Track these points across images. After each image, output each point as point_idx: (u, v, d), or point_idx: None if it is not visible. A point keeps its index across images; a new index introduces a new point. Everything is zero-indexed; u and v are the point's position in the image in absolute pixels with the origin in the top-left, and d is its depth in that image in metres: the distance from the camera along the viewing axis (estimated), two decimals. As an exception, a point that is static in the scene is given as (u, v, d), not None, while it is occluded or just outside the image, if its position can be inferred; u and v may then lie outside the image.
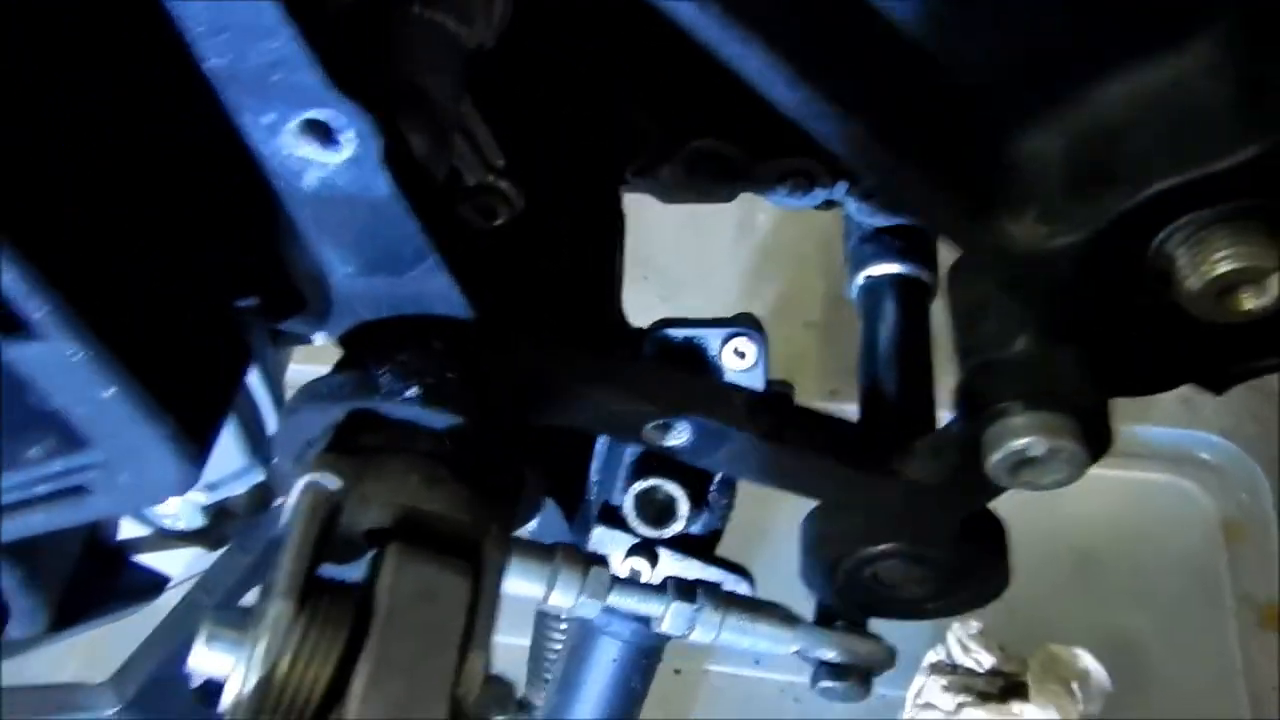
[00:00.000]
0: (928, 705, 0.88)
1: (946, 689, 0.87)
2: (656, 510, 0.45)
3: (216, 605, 0.33)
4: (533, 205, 0.38)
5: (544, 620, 0.58)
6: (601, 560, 0.41)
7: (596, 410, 0.32)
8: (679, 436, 0.33)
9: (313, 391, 0.29)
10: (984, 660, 0.88)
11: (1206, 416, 1.04)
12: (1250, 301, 0.27)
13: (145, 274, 0.24)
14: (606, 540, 0.45)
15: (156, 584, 0.40)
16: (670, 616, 0.41)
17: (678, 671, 0.99)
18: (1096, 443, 0.29)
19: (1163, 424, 1.05)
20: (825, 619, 0.42)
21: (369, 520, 0.28)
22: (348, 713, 0.25)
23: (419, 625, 0.26)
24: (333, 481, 0.27)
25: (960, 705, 0.86)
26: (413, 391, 0.28)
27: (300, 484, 0.27)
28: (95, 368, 0.22)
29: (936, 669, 0.89)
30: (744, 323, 0.44)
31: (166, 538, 0.38)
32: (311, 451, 0.28)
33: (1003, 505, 1.07)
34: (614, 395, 0.31)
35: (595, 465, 0.48)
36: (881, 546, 0.36)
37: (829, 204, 0.48)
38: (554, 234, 0.41)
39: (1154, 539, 0.99)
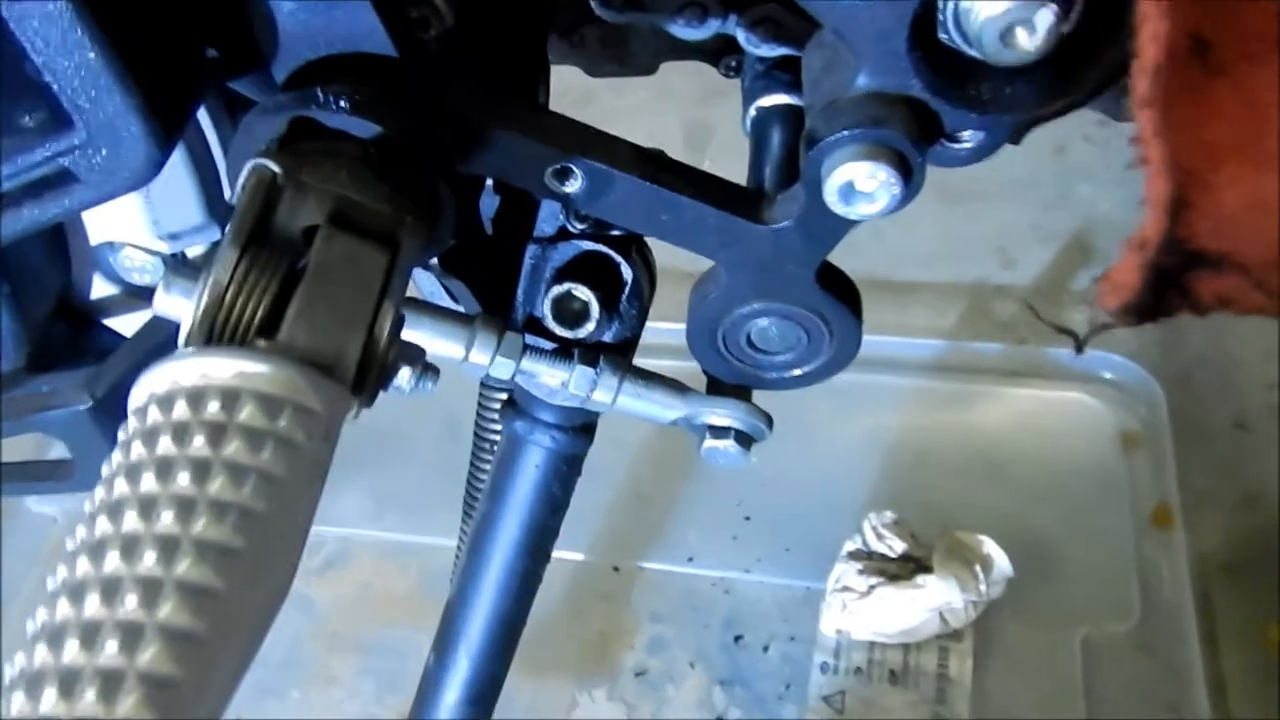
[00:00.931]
0: (845, 589, 0.95)
1: (861, 572, 0.94)
2: (572, 315, 0.51)
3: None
4: (460, 25, 0.44)
5: (479, 439, 0.64)
6: (517, 329, 0.47)
7: (505, 153, 0.38)
8: (574, 183, 0.39)
9: (261, 108, 0.35)
10: (896, 546, 0.95)
11: (1114, 340, 1.12)
12: (1027, 41, 0.34)
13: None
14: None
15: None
16: (574, 379, 0.47)
17: (616, 569, 1.05)
18: (913, 177, 0.36)
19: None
20: (712, 389, 0.48)
21: (304, 216, 0.34)
22: (282, 331, 0.30)
23: (343, 277, 0.32)
24: (274, 166, 0.33)
25: (872, 586, 0.93)
26: (343, 102, 0.34)
27: (247, 167, 0.32)
28: (80, 26, 0.28)
29: (854, 556, 0.96)
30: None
31: (132, 296, 0.44)
32: (259, 158, 0.34)
33: (926, 419, 1.14)
34: (520, 137, 0.37)
35: (522, 286, 0.54)
36: (753, 304, 0.43)
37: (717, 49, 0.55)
38: (478, 54, 0.47)
39: (1061, 448, 1.07)
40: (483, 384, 0.64)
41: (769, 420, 0.48)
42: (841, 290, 0.43)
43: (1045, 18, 0.33)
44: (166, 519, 0.25)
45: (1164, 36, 0.30)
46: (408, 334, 0.45)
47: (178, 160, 0.41)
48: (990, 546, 0.92)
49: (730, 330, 0.45)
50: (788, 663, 0.96)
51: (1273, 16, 0.33)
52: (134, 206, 0.41)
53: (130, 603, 0.24)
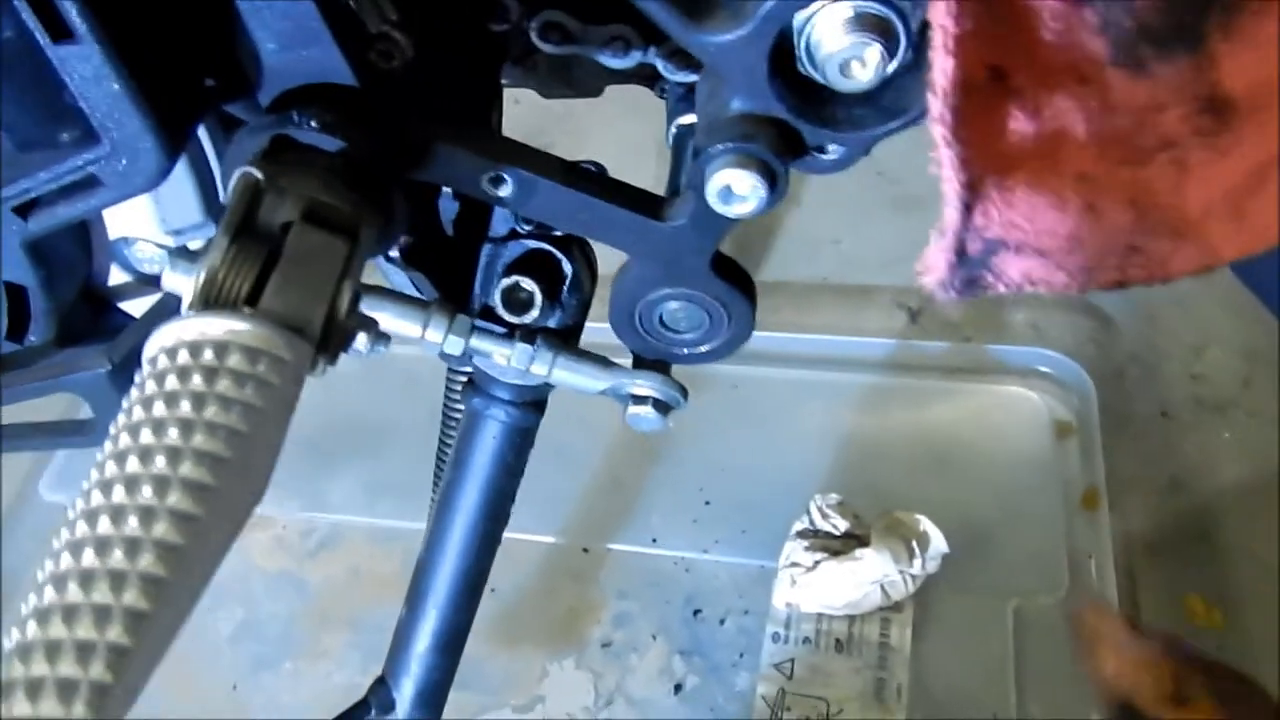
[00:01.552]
0: (794, 564, 1.03)
1: (808, 549, 1.02)
2: (520, 304, 0.59)
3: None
4: (421, 55, 0.53)
5: (446, 416, 0.72)
6: (471, 314, 0.56)
7: (448, 163, 0.46)
8: (506, 188, 0.47)
9: (249, 128, 0.43)
10: (840, 525, 1.03)
11: (1052, 338, 1.20)
12: (861, 74, 0.42)
13: (151, 25, 0.38)
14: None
15: (134, 328, 0.54)
16: (515, 354, 0.55)
17: (585, 550, 1.13)
18: (777, 183, 0.44)
19: (1015, 343, 1.21)
20: (636, 365, 0.56)
21: (282, 213, 0.42)
22: (262, 301, 0.39)
23: (312, 261, 0.40)
24: (258, 174, 0.41)
25: (817, 562, 1.01)
26: (313, 123, 0.42)
27: (237, 174, 0.41)
28: (109, 66, 0.37)
29: (801, 534, 1.04)
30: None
31: (143, 283, 0.52)
32: (247, 168, 0.43)
33: (876, 412, 1.22)
34: (460, 150, 0.46)
35: (478, 280, 0.63)
36: (662, 289, 0.51)
37: (649, 75, 0.63)
38: (437, 79, 0.55)
39: (999, 438, 1.15)
40: (449, 368, 0.72)
41: (684, 390, 0.56)
42: (735, 277, 0.52)
43: (873, 55, 0.42)
44: (173, 435, 0.34)
45: (949, 72, 0.38)
46: (379, 318, 0.53)
47: (182, 168, 0.50)
48: (926, 524, 1.00)
49: (645, 312, 0.53)
50: (742, 634, 1.03)
51: (1065, 50, 0.41)
52: (145, 207, 0.50)
53: (146, 493, 0.32)
